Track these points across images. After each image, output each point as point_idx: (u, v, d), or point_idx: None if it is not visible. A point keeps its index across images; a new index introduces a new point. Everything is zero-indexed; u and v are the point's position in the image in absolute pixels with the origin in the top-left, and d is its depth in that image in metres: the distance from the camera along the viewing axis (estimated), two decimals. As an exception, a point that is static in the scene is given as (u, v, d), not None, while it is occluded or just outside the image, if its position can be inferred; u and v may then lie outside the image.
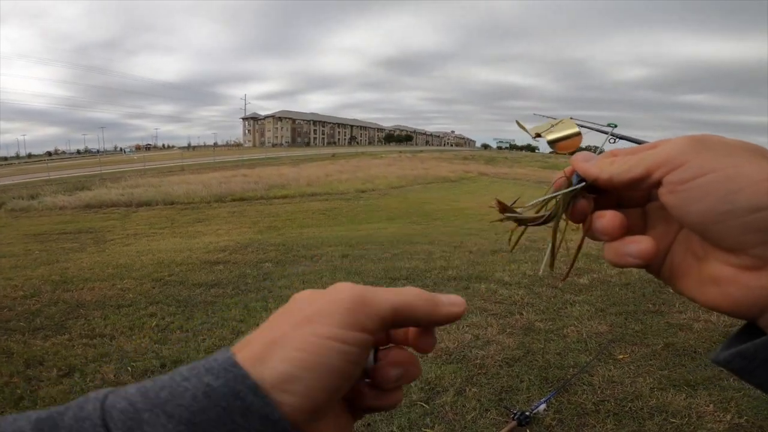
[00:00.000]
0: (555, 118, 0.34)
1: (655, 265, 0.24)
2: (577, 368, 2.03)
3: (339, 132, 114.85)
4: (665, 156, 0.20)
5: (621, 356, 2.15)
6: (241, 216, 7.58)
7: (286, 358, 0.18)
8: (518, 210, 0.27)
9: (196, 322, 2.57)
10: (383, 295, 0.21)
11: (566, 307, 2.75)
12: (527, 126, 0.35)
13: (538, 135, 0.34)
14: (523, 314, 2.65)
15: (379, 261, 3.83)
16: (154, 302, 2.94)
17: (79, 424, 0.17)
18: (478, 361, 2.11)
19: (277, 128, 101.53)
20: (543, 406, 1.67)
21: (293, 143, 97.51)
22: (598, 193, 0.25)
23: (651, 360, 2.11)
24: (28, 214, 8.44)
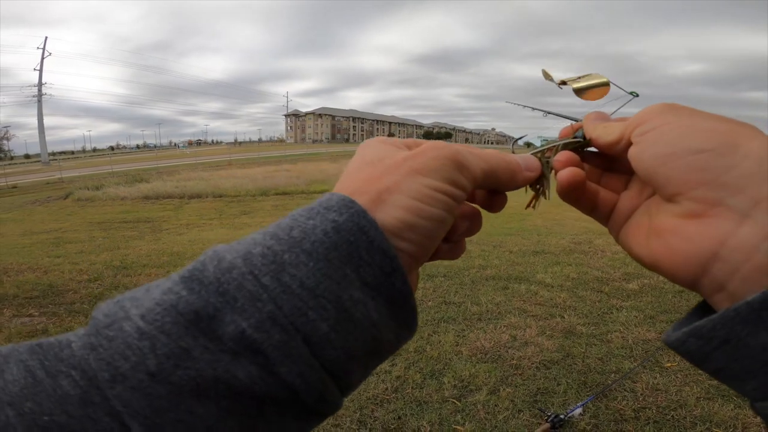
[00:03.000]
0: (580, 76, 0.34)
1: (614, 231, 0.25)
2: (620, 374, 1.95)
3: (378, 129, 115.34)
4: (635, 118, 0.22)
5: (668, 364, 2.04)
6: (283, 209, 7.85)
7: (405, 206, 0.19)
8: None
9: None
10: (476, 160, 0.22)
11: (612, 312, 2.64)
12: (554, 75, 0.34)
13: (563, 83, 0.34)
14: (564, 317, 2.57)
15: (415, 257, 3.85)
16: (203, 289, 3.13)
17: (226, 275, 0.16)
18: (515, 361, 2.08)
19: (317, 124, 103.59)
20: (579, 410, 1.63)
21: (333, 139, 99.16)
22: (597, 153, 0.27)
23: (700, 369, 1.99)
24: (93, 204, 9.20)
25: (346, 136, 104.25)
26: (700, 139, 0.18)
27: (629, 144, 0.22)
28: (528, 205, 0.29)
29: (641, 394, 1.81)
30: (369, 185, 0.20)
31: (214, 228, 5.97)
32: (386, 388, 1.88)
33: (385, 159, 0.21)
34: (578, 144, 0.27)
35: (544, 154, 0.28)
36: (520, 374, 1.98)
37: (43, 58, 62.28)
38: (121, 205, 8.81)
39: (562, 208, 7.13)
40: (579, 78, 0.33)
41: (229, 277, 0.16)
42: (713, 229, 0.17)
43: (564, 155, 0.26)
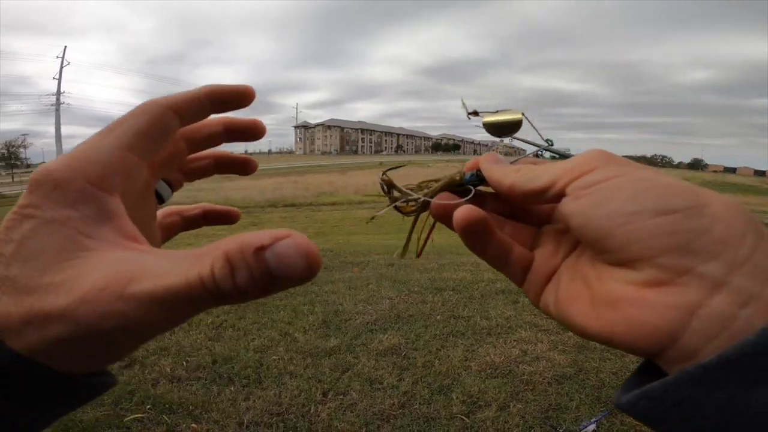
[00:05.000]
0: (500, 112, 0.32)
1: (532, 293, 0.23)
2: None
3: (386, 140, 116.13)
4: (572, 165, 0.19)
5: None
6: (291, 221, 7.90)
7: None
8: (405, 190, 0.26)
9: (247, 322, 2.70)
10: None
11: (623, 327, 2.59)
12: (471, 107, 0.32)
13: (475, 113, 0.32)
14: (574, 331, 2.52)
15: (425, 271, 3.82)
16: (212, 300, 3.13)
17: None
18: (525, 377, 2.04)
19: (326, 136, 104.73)
20: (593, 427, 1.58)
21: (341, 151, 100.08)
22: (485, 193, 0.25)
23: (721, 390, 1.93)
24: (107, 215, 9.36)
25: (354, 148, 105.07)
26: (665, 197, 0.17)
27: (560, 195, 0.19)
28: (404, 253, 0.27)
29: (657, 413, 1.76)
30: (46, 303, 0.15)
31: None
32: (393, 404, 1.85)
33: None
34: (462, 186, 0.24)
35: (423, 192, 0.25)
36: (531, 390, 1.94)
37: (62, 67, 64.02)
38: (133, 216, 8.94)
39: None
40: (495, 113, 0.31)
41: None
42: (682, 299, 0.16)
43: (446, 196, 0.23)
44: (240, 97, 0.22)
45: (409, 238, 0.27)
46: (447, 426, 1.71)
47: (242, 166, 0.28)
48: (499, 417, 1.75)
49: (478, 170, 0.24)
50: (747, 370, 0.14)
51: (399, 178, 0.28)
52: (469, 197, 0.24)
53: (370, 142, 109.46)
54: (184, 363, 2.21)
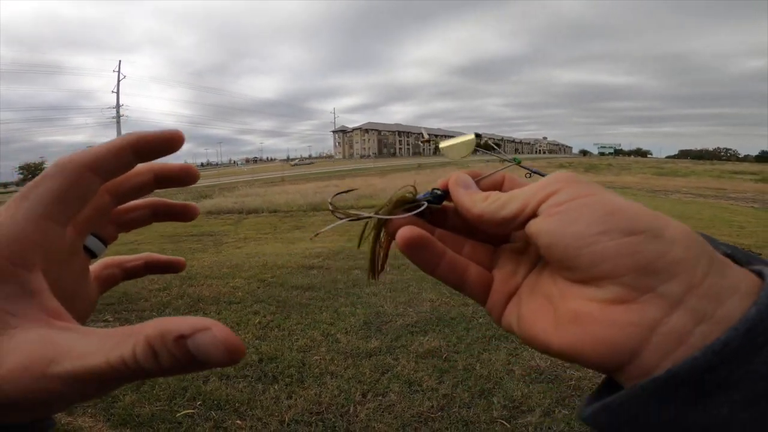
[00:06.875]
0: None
1: (495, 313, 0.23)
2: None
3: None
4: (539, 187, 0.20)
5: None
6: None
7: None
8: (353, 212, 0.26)
9: (292, 322, 2.79)
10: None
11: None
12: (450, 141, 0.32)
13: (428, 141, 0.33)
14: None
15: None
16: (258, 301, 3.25)
17: None
18: (573, 382, 1.96)
19: (364, 140, 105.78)
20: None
21: (380, 154, 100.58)
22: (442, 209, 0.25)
23: None
24: (163, 220, 10.03)
25: (392, 151, 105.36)
26: (630, 219, 0.17)
27: (530, 216, 0.20)
28: (371, 274, 0.27)
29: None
30: None
31: (269, 242, 6.26)
32: (432, 406, 1.84)
33: None
34: (415, 203, 0.24)
35: (374, 211, 0.25)
36: (578, 396, 1.86)
37: (119, 81, 68.76)
38: (186, 221, 9.51)
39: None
40: (451, 137, 0.32)
41: None
42: (643, 316, 0.16)
43: (404, 220, 0.23)
44: (166, 144, 0.21)
45: (372, 259, 0.27)
46: (487, 430, 1.68)
47: (182, 213, 0.28)
48: (542, 423, 1.70)
49: (434, 189, 0.25)
50: (694, 386, 0.15)
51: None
52: (418, 211, 0.24)
53: (408, 144, 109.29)
54: (234, 360, 2.32)
